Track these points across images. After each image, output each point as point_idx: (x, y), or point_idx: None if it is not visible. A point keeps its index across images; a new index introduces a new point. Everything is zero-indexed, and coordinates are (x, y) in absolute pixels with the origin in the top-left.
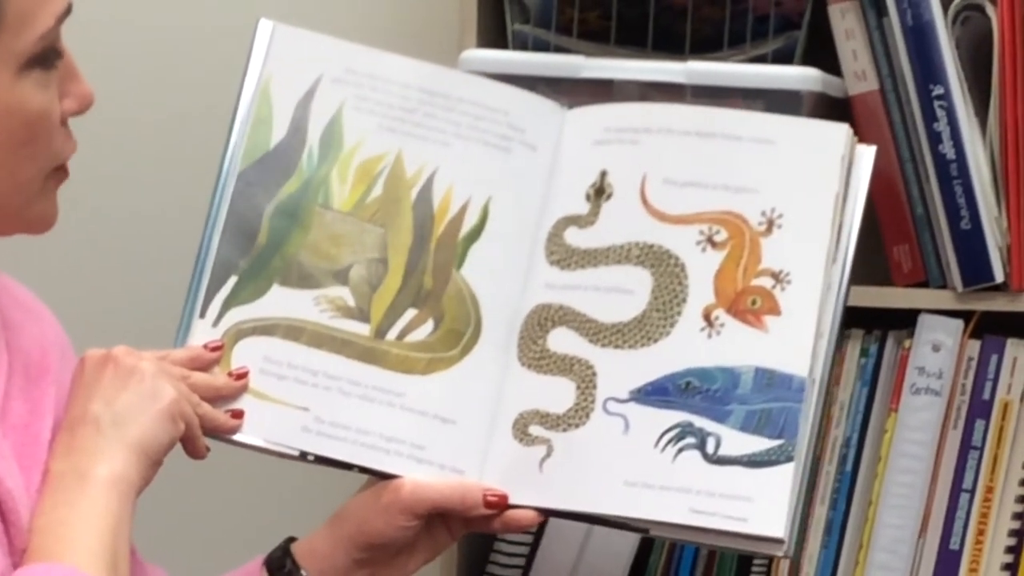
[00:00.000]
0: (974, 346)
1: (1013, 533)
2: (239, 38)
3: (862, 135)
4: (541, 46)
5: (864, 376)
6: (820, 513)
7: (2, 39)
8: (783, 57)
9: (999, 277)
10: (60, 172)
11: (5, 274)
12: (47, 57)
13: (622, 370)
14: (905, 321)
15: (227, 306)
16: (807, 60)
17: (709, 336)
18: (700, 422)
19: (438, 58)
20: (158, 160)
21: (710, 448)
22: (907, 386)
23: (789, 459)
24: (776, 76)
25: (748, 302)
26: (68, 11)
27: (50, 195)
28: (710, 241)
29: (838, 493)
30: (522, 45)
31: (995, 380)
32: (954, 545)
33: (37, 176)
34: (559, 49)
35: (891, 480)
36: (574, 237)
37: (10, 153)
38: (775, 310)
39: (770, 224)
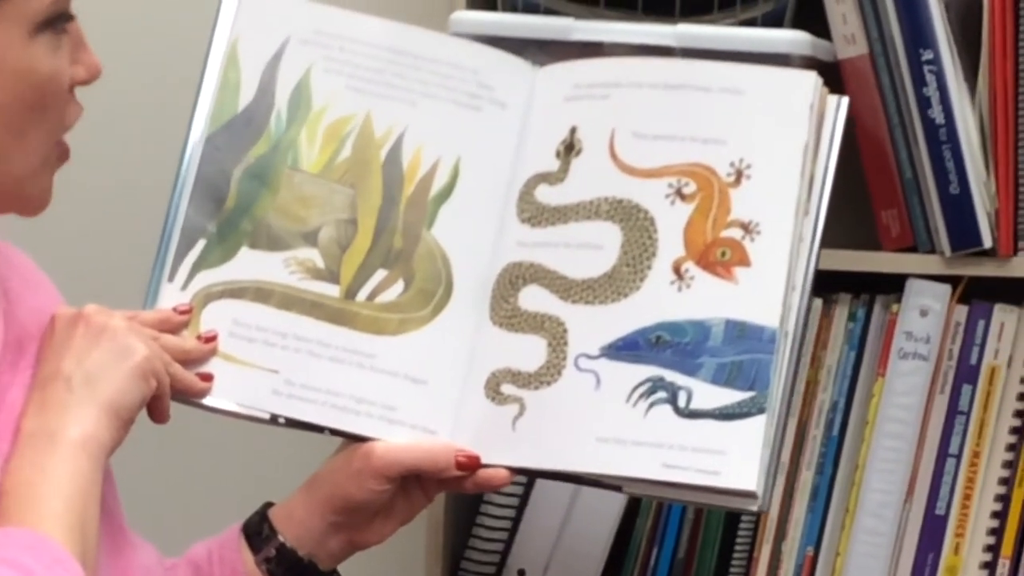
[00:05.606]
0: (962, 311)
1: (999, 498)
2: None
3: (851, 100)
4: (531, 8)
5: (852, 340)
6: (806, 477)
7: (15, 1)
8: (773, 20)
9: (987, 242)
10: (62, 150)
11: (7, 243)
12: (59, 20)
13: (593, 326)
14: (893, 286)
15: (196, 269)
16: (797, 24)
17: (679, 289)
18: (671, 376)
19: (428, 20)
20: (125, 125)
21: (681, 402)
22: (895, 351)
23: (761, 411)
24: (765, 39)
25: (718, 254)
26: None
27: (50, 172)
28: (679, 194)
29: (824, 457)
30: (512, 7)
31: (982, 345)
32: (940, 510)
33: (45, 142)
34: (549, 11)
35: (878, 445)
36: (545, 194)
37: (20, 116)
38: (745, 261)
39: (739, 175)
